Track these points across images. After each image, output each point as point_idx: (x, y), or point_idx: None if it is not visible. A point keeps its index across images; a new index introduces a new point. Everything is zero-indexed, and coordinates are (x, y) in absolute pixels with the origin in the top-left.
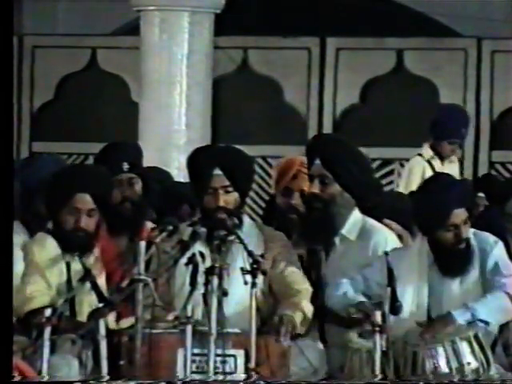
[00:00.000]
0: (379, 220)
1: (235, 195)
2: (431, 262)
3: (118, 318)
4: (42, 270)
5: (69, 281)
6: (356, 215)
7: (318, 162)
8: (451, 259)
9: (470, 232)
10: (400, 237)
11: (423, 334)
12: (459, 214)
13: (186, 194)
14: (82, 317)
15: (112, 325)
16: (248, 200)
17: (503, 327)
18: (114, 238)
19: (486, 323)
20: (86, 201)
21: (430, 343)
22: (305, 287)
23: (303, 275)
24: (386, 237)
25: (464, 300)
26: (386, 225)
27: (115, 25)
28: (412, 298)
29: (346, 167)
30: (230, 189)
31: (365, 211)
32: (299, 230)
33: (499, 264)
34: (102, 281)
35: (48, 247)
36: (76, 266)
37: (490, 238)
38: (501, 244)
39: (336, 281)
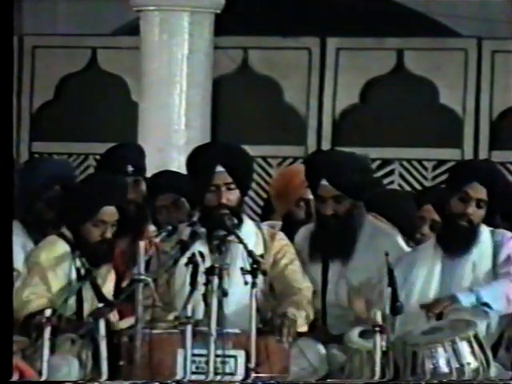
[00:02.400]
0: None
1: (237, 193)
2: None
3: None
4: (45, 273)
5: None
6: (367, 219)
7: (325, 182)
8: (451, 234)
9: (478, 216)
10: None
11: (428, 311)
12: (477, 189)
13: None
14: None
15: (114, 325)
16: (248, 200)
17: (506, 327)
18: (118, 240)
19: (490, 307)
20: (112, 213)
21: (430, 343)
22: (305, 285)
23: (303, 273)
24: (392, 238)
25: (472, 285)
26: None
27: (115, 25)
28: (421, 288)
29: (354, 182)
30: (233, 186)
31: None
32: (317, 244)
33: (511, 256)
34: (110, 283)
35: (57, 251)
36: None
37: (508, 233)
38: None
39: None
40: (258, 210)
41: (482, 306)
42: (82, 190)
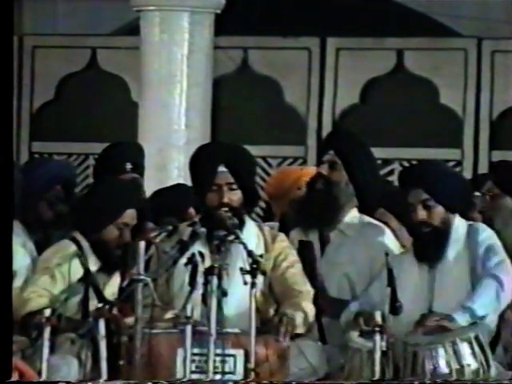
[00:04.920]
0: (374, 210)
1: (239, 194)
2: None
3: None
4: (55, 276)
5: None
6: (354, 213)
7: (331, 152)
8: (416, 242)
9: (434, 216)
10: (393, 230)
11: (422, 324)
12: (415, 195)
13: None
14: None
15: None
16: None
17: (503, 326)
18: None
19: (486, 315)
20: (134, 216)
21: (431, 343)
22: (306, 289)
23: (304, 276)
24: (383, 234)
25: (454, 286)
26: (380, 214)
27: (115, 25)
28: (413, 293)
29: (357, 159)
30: (235, 186)
31: (362, 210)
32: (298, 210)
33: (489, 249)
34: (114, 284)
35: (68, 255)
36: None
37: (482, 225)
38: (491, 231)
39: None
40: (258, 211)
41: (479, 320)
42: (104, 193)
